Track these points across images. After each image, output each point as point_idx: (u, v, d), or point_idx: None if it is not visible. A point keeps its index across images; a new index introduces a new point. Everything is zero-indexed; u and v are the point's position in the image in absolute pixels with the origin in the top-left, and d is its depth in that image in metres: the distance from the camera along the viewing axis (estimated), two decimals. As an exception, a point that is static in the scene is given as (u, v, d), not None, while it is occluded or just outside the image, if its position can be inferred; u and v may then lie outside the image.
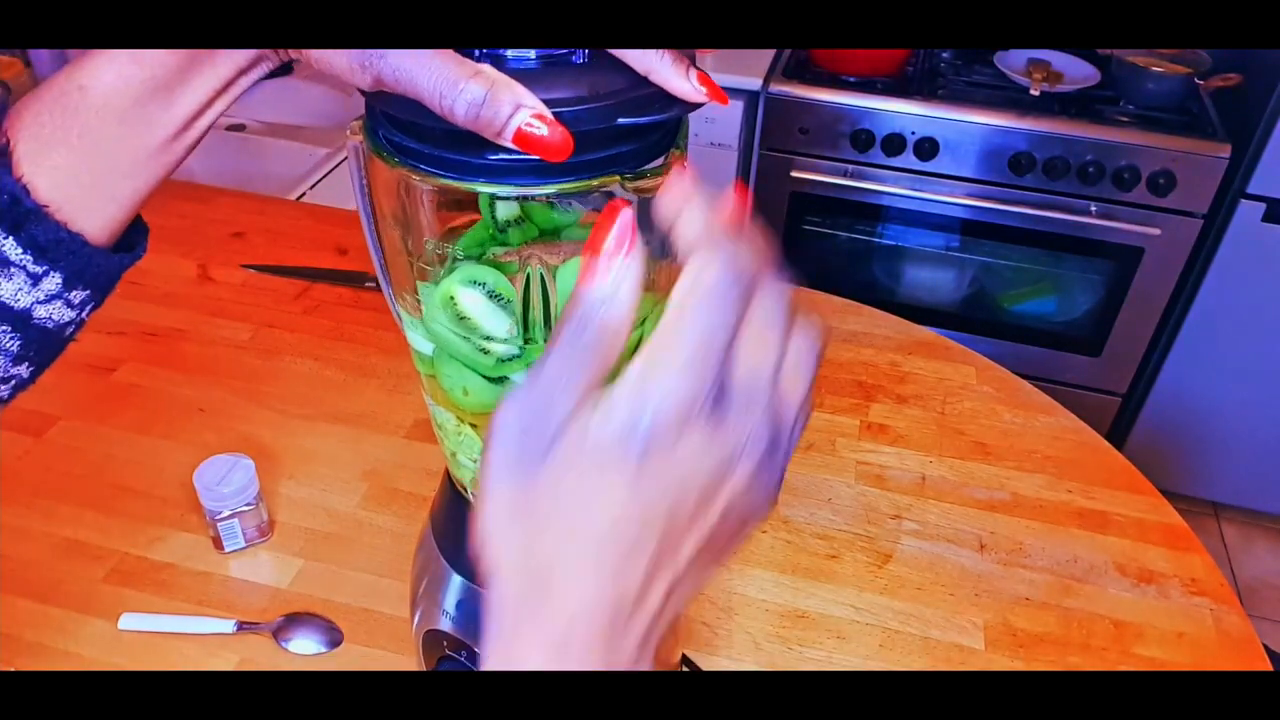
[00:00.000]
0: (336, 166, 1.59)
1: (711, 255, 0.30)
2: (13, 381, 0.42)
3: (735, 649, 0.79)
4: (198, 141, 0.42)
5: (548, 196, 0.41)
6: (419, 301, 0.49)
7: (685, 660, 0.77)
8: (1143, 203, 1.74)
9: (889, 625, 0.82)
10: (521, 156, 0.37)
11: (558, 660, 0.30)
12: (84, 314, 0.42)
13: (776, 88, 1.81)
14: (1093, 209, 1.76)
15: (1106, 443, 1.01)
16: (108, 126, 0.39)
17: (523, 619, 0.31)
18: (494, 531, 0.31)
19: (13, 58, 1.55)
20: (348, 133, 0.45)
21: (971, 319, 1.98)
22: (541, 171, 0.39)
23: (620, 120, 0.38)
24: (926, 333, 1.15)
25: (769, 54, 1.90)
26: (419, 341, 0.51)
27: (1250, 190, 1.69)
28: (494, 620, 0.31)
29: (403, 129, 0.40)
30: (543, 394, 0.30)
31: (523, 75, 0.37)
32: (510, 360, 0.47)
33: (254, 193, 1.39)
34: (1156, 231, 1.74)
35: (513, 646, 0.31)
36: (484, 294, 0.46)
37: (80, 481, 0.91)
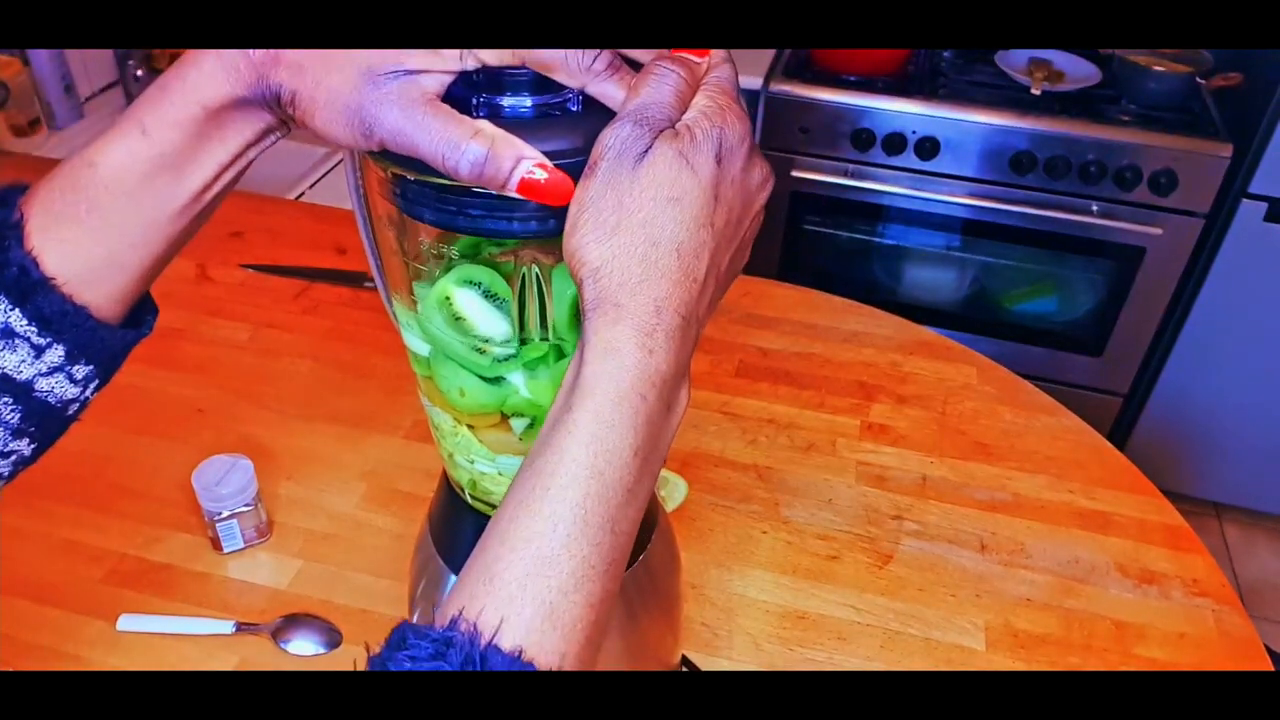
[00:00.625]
0: (335, 166, 1.59)
1: (721, 63, 0.41)
2: (13, 457, 0.42)
3: (735, 650, 0.79)
4: (209, 212, 0.42)
5: (533, 234, 0.42)
6: (415, 302, 0.49)
7: (685, 661, 0.77)
8: (1144, 202, 1.73)
9: (890, 626, 0.82)
10: None
11: (649, 341, 0.37)
12: (88, 392, 0.43)
13: (777, 87, 1.81)
14: (1094, 208, 1.75)
15: (1108, 443, 1.01)
16: (116, 201, 0.39)
17: (622, 307, 0.37)
18: (593, 240, 0.37)
19: (12, 58, 1.55)
20: (344, 132, 0.45)
21: (972, 319, 1.98)
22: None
23: None
24: (927, 333, 1.15)
25: (769, 53, 1.90)
26: (415, 342, 0.51)
27: (1252, 190, 1.68)
28: (595, 314, 0.37)
29: None
30: (632, 123, 0.37)
31: (519, 125, 0.38)
32: (506, 360, 0.47)
33: (253, 192, 1.38)
34: (1158, 231, 1.74)
35: (614, 332, 0.36)
36: (479, 294, 0.46)
37: (78, 482, 0.90)
